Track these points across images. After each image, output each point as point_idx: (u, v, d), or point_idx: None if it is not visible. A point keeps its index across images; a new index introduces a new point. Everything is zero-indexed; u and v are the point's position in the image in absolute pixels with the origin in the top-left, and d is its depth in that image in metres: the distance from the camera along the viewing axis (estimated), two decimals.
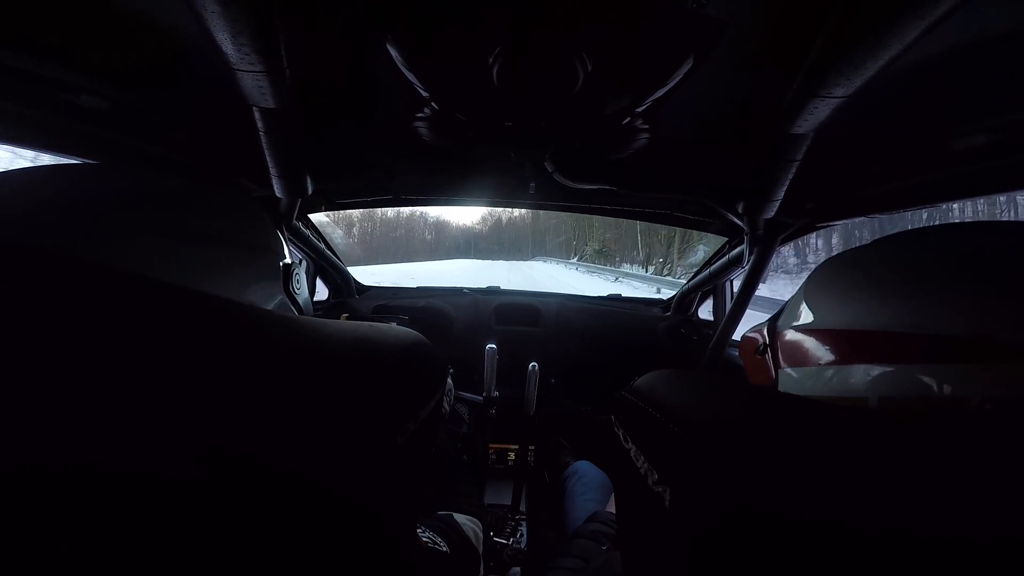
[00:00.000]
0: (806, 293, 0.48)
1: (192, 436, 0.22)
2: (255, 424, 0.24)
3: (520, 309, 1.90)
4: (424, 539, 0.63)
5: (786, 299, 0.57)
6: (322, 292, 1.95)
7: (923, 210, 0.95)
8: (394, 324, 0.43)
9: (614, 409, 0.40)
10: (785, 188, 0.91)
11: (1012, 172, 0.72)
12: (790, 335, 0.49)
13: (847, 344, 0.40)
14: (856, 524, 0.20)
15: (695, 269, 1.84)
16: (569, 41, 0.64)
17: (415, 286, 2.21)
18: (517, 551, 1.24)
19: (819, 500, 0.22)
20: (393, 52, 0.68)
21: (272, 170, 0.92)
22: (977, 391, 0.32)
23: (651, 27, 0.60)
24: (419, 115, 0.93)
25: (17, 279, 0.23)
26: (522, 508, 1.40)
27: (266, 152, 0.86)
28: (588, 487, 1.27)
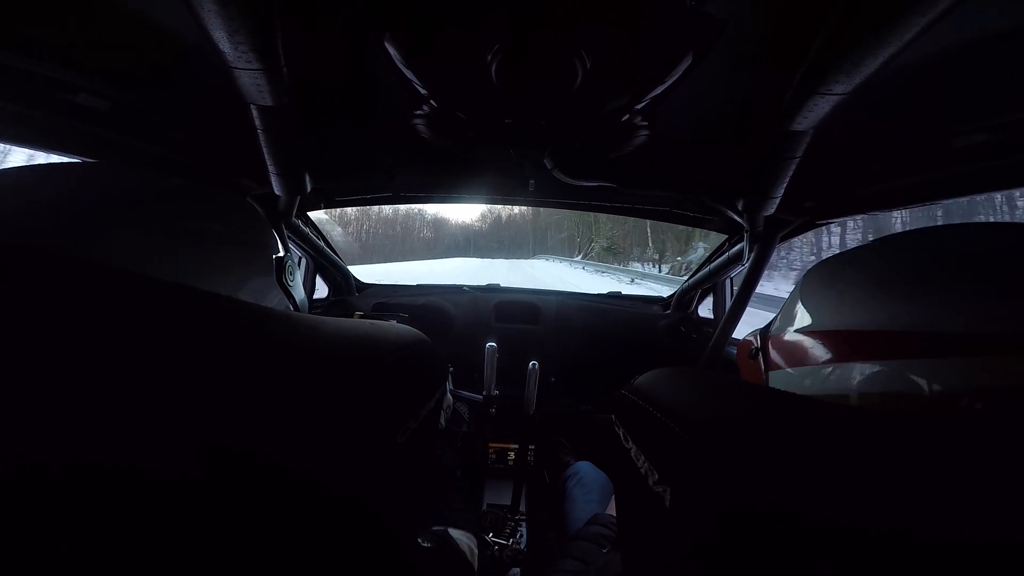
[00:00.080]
0: (802, 294, 0.49)
1: (192, 436, 0.22)
2: (255, 423, 0.24)
3: (520, 307, 1.90)
4: (424, 546, 0.64)
5: None
6: (322, 290, 1.95)
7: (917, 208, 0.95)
8: (394, 322, 0.43)
9: (614, 408, 0.40)
10: (785, 185, 0.91)
11: (1011, 171, 0.72)
12: (778, 339, 0.51)
13: (831, 344, 0.41)
14: (856, 523, 0.20)
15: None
16: (568, 40, 0.64)
17: (415, 284, 2.21)
18: (517, 552, 1.24)
19: (819, 499, 0.22)
20: (392, 50, 0.68)
21: (271, 168, 0.92)
22: (963, 386, 0.32)
23: (650, 25, 0.60)
24: (418, 113, 0.93)
25: (16, 278, 0.23)
26: (522, 508, 1.40)
27: (265, 150, 0.86)
28: (589, 488, 1.27)
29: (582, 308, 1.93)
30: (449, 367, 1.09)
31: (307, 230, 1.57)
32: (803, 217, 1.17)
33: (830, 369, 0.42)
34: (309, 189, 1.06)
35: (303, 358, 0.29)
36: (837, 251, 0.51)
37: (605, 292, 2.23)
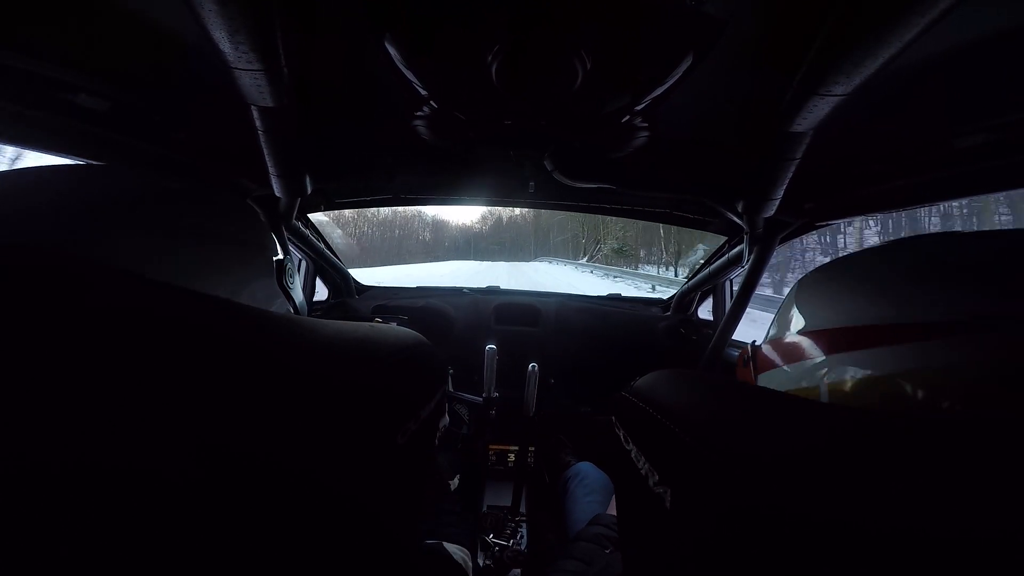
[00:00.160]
0: (797, 301, 0.51)
1: (192, 436, 0.22)
2: (255, 424, 0.24)
3: (520, 309, 1.90)
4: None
5: None
6: (321, 292, 1.95)
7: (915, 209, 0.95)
8: (394, 324, 0.43)
9: (614, 410, 0.40)
10: (784, 187, 0.91)
11: (1012, 171, 0.72)
12: (773, 343, 0.54)
13: (824, 340, 0.45)
14: (857, 524, 0.20)
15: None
16: (569, 40, 0.64)
17: (415, 286, 2.21)
18: (517, 552, 1.24)
19: (820, 500, 0.21)
20: (392, 51, 0.68)
21: (271, 169, 0.92)
22: (942, 364, 0.35)
23: (650, 26, 0.60)
24: (418, 114, 0.93)
25: (16, 279, 0.23)
26: (522, 509, 1.40)
27: (265, 151, 0.86)
28: (590, 489, 1.26)
29: (582, 310, 1.93)
30: (449, 369, 1.09)
31: (307, 232, 1.57)
32: (803, 218, 1.17)
33: (821, 360, 0.44)
34: (309, 190, 1.06)
35: (303, 359, 0.29)
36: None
37: (605, 294, 2.23)
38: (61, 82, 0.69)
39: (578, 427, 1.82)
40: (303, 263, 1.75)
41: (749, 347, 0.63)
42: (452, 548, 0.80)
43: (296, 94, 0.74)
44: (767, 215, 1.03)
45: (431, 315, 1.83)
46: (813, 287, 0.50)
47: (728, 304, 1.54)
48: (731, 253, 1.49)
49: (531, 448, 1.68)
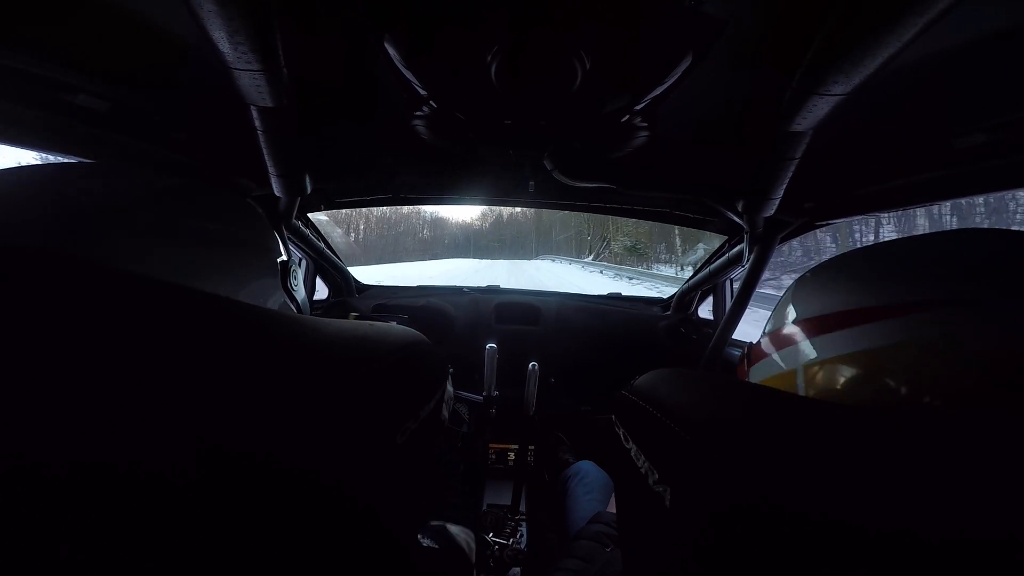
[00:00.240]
0: (794, 298, 0.53)
1: (192, 436, 0.22)
2: (255, 424, 0.24)
3: (520, 308, 1.90)
4: (424, 544, 0.64)
5: None
6: (321, 291, 1.95)
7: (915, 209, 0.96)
8: (394, 323, 0.43)
9: (614, 409, 0.40)
10: (784, 186, 0.91)
11: (1012, 170, 0.72)
12: (770, 335, 0.56)
13: (814, 326, 0.48)
14: (857, 523, 0.20)
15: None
16: (568, 40, 0.64)
17: (415, 285, 2.21)
18: (517, 551, 1.24)
19: (820, 499, 0.22)
20: (391, 51, 0.68)
21: (271, 169, 0.92)
22: (915, 339, 0.38)
23: (650, 26, 0.60)
24: (418, 114, 0.93)
25: (16, 280, 0.23)
26: (522, 508, 1.40)
27: (265, 151, 0.86)
28: (590, 487, 1.27)
29: (582, 309, 1.93)
30: (449, 368, 1.09)
31: (307, 231, 1.57)
32: (803, 218, 1.17)
33: (809, 342, 0.47)
34: (309, 190, 1.06)
35: (303, 359, 0.29)
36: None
37: (605, 293, 2.23)
38: (61, 82, 0.69)
39: (578, 426, 1.82)
40: (303, 262, 1.75)
41: (747, 347, 0.65)
42: (455, 530, 0.80)
43: (296, 94, 0.74)
44: (767, 214, 1.03)
45: (431, 314, 1.83)
46: (809, 283, 0.52)
47: (728, 303, 1.54)
48: (731, 252, 1.49)
49: (531, 447, 1.68)
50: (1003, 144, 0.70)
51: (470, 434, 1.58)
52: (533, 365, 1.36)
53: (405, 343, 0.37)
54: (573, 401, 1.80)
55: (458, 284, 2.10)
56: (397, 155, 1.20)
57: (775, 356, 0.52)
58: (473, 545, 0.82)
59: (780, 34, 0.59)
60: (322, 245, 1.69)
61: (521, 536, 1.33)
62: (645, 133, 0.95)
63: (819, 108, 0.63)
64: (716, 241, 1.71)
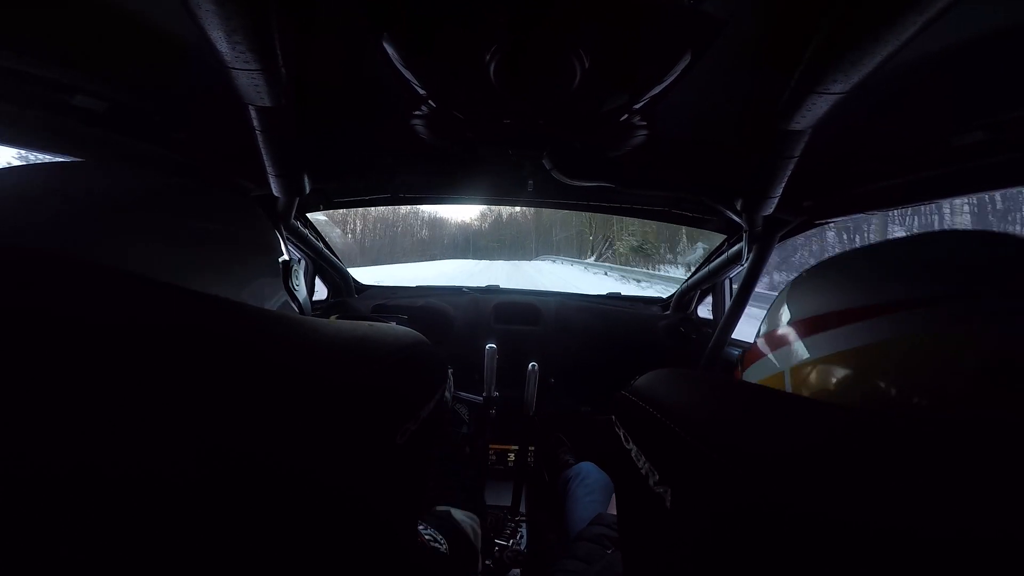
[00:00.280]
0: (789, 299, 0.54)
1: (192, 436, 0.22)
2: (255, 424, 0.24)
3: (520, 308, 1.90)
4: (425, 536, 0.63)
5: None
6: (320, 292, 1.95)
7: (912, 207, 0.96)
8: (394, 324, 0.43)
9: (615, 409, 0.40)
10: (783, 185, 0.91)
11: (1009, 169, 0.72)
12: (765, 337, 0.57)
13: (807, 326, 0.48)
14: (858, 523, 0.20)
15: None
16: (567, 40, 0.64)
17: (414, 285, 2.21)
18: (517, 552, 1.24)
19: (821, 499, 0.21)
20: (390, 50, 0.68)
21: (270, 169, 0.91)
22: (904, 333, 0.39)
23: (649, 25, 0.60)
24: (417, 114, 0.93)
25: (15, 281, 0.22)
26: (522, 509, 1.40)
27: (263, 151, 0.85)
28: (591, 488, 1.27)
29: (581, 309, 1.93)
30: (449, 368, 1.08)
31: (306, 231, 1.57)
32: (802, 216, 1.17)
33: (801, 342, 0.48)
34: (308, 190, 1.06)
35: (303, 359, 0.29)
36: None
37: (604, 293, 2.23)
38: (61, 83, 0.69)
39: (578, 426, 1.82)
40: (302, 263, 1.75)
41: (742, 351, 0.66)
42: (460, 515, 0.79)
43: (294, 94, 0.73)
44: (766, 213, 1.03)
45: (431, 314, 1.83)
46: (803, 284, 0.53)
47: (728, 303, 1.54)
48: (730, 251, 1.49)
49: (531, 448, 1.68)
50: (1001, 142, 0.70)
51: (470, 435, 1.58)
52: (533, 365, 1.36)
53: (405, 344, 0.37)
54: (573, 401, 1.80)
55: (457, 285, 2.10)
56: (396, 155, 1.20)
57: (770, 356, 0.53)
58: (479, 530, 0.82)
59: (779, 33, 0.59)
60: (321, 245, 1.69)
61: (521, 537, 1.33)
62: (644, 132, 0.95)
63: (818, 107, 0.64)
64: (715, 240, 1.71)
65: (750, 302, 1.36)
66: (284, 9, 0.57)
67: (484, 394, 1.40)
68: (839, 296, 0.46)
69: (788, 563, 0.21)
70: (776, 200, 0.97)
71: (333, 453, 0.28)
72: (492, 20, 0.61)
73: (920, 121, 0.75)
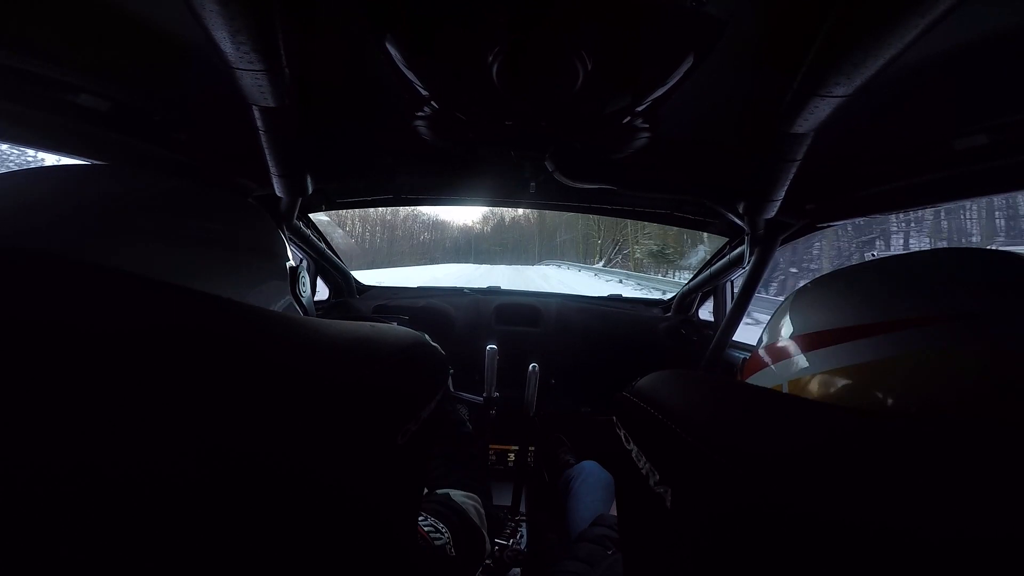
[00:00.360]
0: (791, 310, 0.54)
1: (193, 436, 0.22)
2: (256, 424, 0.24)
3: (520, 309, 1.90)
4: (425, 527, 0.62)
5: None
6: (322, 292, 1.95)
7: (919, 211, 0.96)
8: (395, 324, 0.43)
9: (616, 410, 0.40)
10: (785, 188, 0.91)
11: (1013, 172, 0.72)
12: (767, 347, 0.57)
13: (812, 341, 0.48)
14: (859, 523, 0.20)
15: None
16: (569, 41, 0.64)
17: (415, 286, 2.22)
18: (517, 552, 1.24)
19: (822, 499, 0.21)
20: (393, 51, 0.68)
21: (272, 169, 0.92)
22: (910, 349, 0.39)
23: (651, 26, 0.60)
24: (419, 115, 0.93)
25: (17, 283, 0.23)
26: (522, 509, 1.40)
27: (266, 151, 0.86)
28: (594, 487, 1.26)
29: (582, 310, 1.93)
30: (450, 369, 1.08)
31: (308, 232, 1.57)
32: (804, 220, 1.17)
33: (804, 356, 0.48)
34: (310, 190, 1.06)
35: (304, 359, 0.29)
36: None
37: (605, 295, 2.23)
38: (62, 82, 0.69)
39: (578, 427, 1.82)
40: (304, 263, 1.75)
41: (742, 360, 0.66)
42: (460, 496, 0.77)
43: (297, 94, 0.74)
44: (768, 216, 1.02)
45: (432, 315, 1.83)
46: (807, 297, 0.54)
47: (729, 305, 1.54)
48: (732, 254, 1.49)
49: (531, 448, 1.68)
50: (1005, 145, 0.70)
51: (470, 435, 1.58)
52: (533, 366, 1.36)
53: (406, 344, 0.37)
54: (573, 402, 1.80)
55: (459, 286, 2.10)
56: (398, 156, 1.20)
57: (772, 368, 0.53)
58: (482, 511, 0.78)
59: (781, 35, 0.59)
60: (323, 246, 1.70)
61: (521, 537, 1.33)
62: (646, 134, 0.95)
63: (820, 110, 0.63)
64: (717, 243, 1.71)
65: (752, 306, 1.36)
66: (288, 9, 0.57)
67: (484, 395, 1.40)
68: (845, 311, 0.45)
69: (788, 563, 0.21)
70: (778, 203, 0.97)
71: (334, 453, 0.28)
72: (494, 21, 0.61)
73: (923, 124, 0.75)
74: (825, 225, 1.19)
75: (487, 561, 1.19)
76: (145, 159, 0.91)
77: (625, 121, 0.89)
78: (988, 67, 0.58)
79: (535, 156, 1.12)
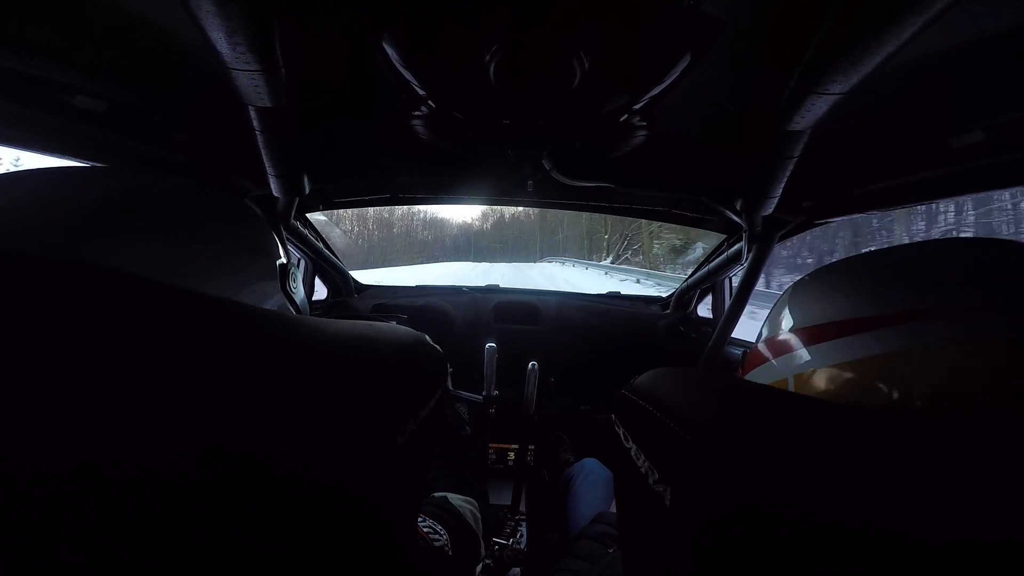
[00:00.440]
0: (790, 303, 0.54)
1: (192, 436, 0.22)
2: (255, 424, 0.24)
3: (519, 307, 1.90)
4: (424, 528, 0.62)
5: None
6: (320, 292, 1.95)
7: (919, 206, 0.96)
8: (394, 323, 0.43)
9: (614, 408, 0.40)
10: (783, 185, 0.91)
11: (1009, 169, 0.72)
12: (766, 341, 0.57)
13: (812, 334, 0.48)
14: (859, 523, 0.20)
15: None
16: (567, 40, 0.64)
17: (414, 285, 2.21)
18: (517, 551, 1.24)
19: (820, 499, 0.22)
20: (390, 51, 0.68)
21: (269, 169, 0.91)
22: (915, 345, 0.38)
23: (649, 25, 0.60)
24: (417, 114, 0.93)
25: (16, 284, 0.23)
26: (522, 508, 1.40)
27: (263, 151, 0.85)
28: (594, 485, 1.26)
29: (581, 308, 1.93)
30: (449, 368, 1.08)
31: (306, 231, 1.57)
32: (801, 216, 1.17)
33: (806, 350, 0.47)
34: (308, 190, 1.06)
35: (302, 359, 0.29)
36: None
37: (604, 292, 2.23)
38: (60, 83, 0.69)
39: (578, 425, 1.82)
40: (302, 263, 1.75)
41: (743, 353, 0.65)
42: (457, 500, 0.77)
43: (294, 94, 0.74)
44: (765, 213, 1.03)
45: (431, 314, 1.83)
46: (806, 290, 0.53)
47: (727, 302, 1.54)
48: (730, 251, 1.49)
49: (531, 447, 1.68)
50: (1000, 143, 0.70)
51: (470, 434, 1.58)
52: (533, 364, 1.36)
53: (405, 343, 0.37)
54: (573, 400, 1.80)
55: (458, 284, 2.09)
56: (396, 155, 1.20)
57: (773, 362, 0.52)
58: (479, 515, 0.79)
59: (779, 33, 0.59)
60: (320, 245, 1.69)
61: (521, 536, 1.33)
62: (644, 132, 0.96)
63: (818, 107, 0.64)
64: (715, 240, 1.71)
65: (751, 301, 1.36)
66: (285, 9, 0.57)
67: (484, 393, 1.40)
68: (850, 303, 0.45)
69: (788, 563, 0.21)
70: (776, 200, 0.97)
71: (333, 453, 0.28)
72: (492, 20, 0.61)
73: (920, 122, 0.75)
74: (822, 222, 1.19)
75: (487, 561, 1.20)
76: (143, 159, 0.91)
77: (623, 119, 0.89)
78: (984, 65, 0.58)
79: (533, 155, 1.12)
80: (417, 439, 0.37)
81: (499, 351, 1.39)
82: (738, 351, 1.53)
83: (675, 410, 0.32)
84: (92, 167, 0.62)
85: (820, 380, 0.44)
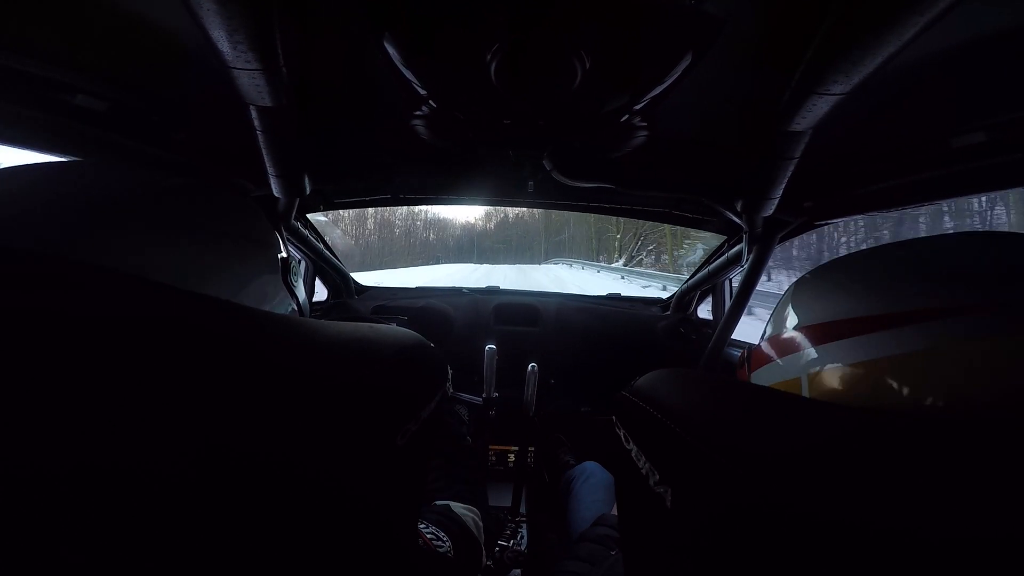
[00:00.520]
0: (793, 301, 0.53)
1: (193, 437, 0.22)
2: (255, 425, 0.24)
3: (519, 309, 1.90)
4: (427, 534, 0.63)
5: None
6: (320, 293, 1.95)
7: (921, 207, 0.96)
8: (394, 325, 0.43)
9: (615, 409, 0.40)
10: (783, 186, 0.91)
11: (1010, 169, 0.72)
12: (770, 340, 0.56)
13: (817, 333, 0.47)
14: (859, 523, 0.20)
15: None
16: (568, 40, 0.64)
17: (414, 286, 2.21)
18: (517, 553, 1.24)
19: (820, 499, 0.21)
20: (391, 50, 0.68)
21: (270, 169, 0.91)
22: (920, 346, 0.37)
23: (649, 25, 0.60)
24: (417, 114, 0.93)
25: (15, 281, 0.22)
26: (522, 510, 1.40)
27: (264, 151, 0.85)
28: (595, 488, 1.26)
29: (581, 310, 1.93)
30: (449, 369, 1.08)
31: (306, 232, 1.57)
32: (802, 217, 1.17)
33: (814, 349, 0.46)
34: (308, 191, 1.06)
35: (303, 360, 0.29)
36: None
37: (604, 294, 2.23)
38: (60, 83, 0.69)
39: (578, 427, 1.82)
40: (302, 263, 1.75)
41: (746, 350, 0.65)
42: (460, 508, 0.78)
43: (295, 94, 0.74)
44: (766, 214, 1.03)
45: (431, 315, 1.83)
46: (810, 286, 0.51)
47: (727, 303, 1.54)
48: (730, 252, 1.49)
49: (531, 448, 1.68)
50: (1001, 143, 0.70)
51: (470, 435, 1.58)
52: (532, 366, 1.36)
53: (406, 345, 0.37)
54: (573, 402, 1.80)
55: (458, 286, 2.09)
56: (396, 155, 1.20)
57: (780, 362, 0.51)
58: (480, 523, 0.80)
59: (780, 33, 0.59)
60: (321, 246, 1.69)
61: (521, 538, 1.33)
62: (644, 133, 0.96)
63: (818, 107, 0.64)
64: (715, 241, 1.71)
65: (752, 302, 1.36)
66: (286, 9, 0.57)
67: (484, 395, 1.40)
68: (857, 300, 0.43)
69: (788, 563, 0.21)
70: (776, 201, 0.97)
71: (334, 454, 0.28)
72: (492, 20, 0.61)
73: (921, 122, 0.75)
74: (823, 223, 1.19)
75: (487, 563, 1.20)
76: (143, 159, 0.91)
77: (623, 120, 0.89)
78: (985, 65, 0.58)
79: (533, 155, 1.12)
80: (418, 441, 0.37)
81: (499, 353, 1.39)
82: (738, 352, 1.53)
83: (676, 411, 0.32)
84: (91, 162, 0.62)
85: (829, 380, 0.43)
